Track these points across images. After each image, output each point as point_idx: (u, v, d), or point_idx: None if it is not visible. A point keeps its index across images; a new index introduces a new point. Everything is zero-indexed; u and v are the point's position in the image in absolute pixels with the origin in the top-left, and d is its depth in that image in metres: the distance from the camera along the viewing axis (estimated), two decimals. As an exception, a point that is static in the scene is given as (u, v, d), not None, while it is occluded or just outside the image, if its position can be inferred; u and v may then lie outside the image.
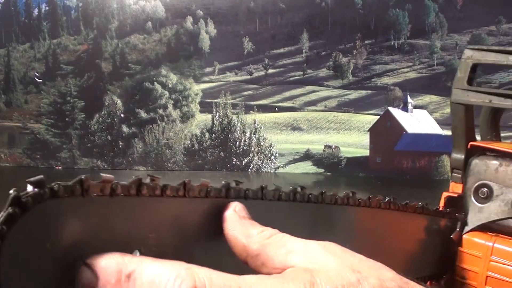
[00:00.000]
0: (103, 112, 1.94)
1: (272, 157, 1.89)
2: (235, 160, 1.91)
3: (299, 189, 0.44)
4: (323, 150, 1.85)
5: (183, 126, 1.91)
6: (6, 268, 0.32)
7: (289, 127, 1.87)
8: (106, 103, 1.95)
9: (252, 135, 1.92)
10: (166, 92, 1.93)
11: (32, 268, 0.34)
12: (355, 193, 0.54)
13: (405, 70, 1.84)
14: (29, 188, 0.34)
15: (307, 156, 1.91)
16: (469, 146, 0.62)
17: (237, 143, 1.91)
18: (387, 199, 0.53)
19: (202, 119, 1.90)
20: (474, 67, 0.60)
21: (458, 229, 0.59)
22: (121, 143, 1.97)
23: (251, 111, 1.88)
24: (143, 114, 1.93)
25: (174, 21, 1.96)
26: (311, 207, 0.46)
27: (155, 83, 1.98)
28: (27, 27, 2.06)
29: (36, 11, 2.04)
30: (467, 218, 0.59)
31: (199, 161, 1.93)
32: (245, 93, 1.93)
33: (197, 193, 0.39)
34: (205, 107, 1.91)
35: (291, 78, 1.90)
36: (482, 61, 0.61)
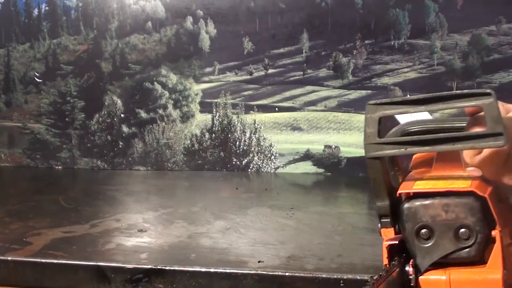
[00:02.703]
0: (103, 112, 1.94)
1: (272, 157, 1.90)
2: (235, 160, 1.92)
3: None
4: (323, 150, 1.85)
5: (183, 126, 1.91)
6: None
7: (289, 127, 1.87)
8: (106, 103, 1.94)
9: (252, 135, 1.92)
10: (166, 92, 1.93)
11: None
12: None
13: (405, 70, 1.84)
14: None
15: (307, 156, 1.90)
16: (397, 195, 0.66)
17: (237, 143, 1.91)
18: None
19: (202, 119, 1.90)
20: (380, 120, 0.66)
21: (413, 276, 0.64)
22: (121, 143, 1.97)
23: (251, 111, 1.88)
24: (143, 114, 1.93)
25: (174, 21, 1.95)
26: None
27: (155, 83, 1.97)
28: (27, 27, 2.05)
29: (36, 11, 2.03)
30: (417, 262, 0.64)
31: (199, 161, 1.94)
32: (245, 93, 1.93)
33: None
34: (205, 107, 1.91)
35: (291, 78, 1.90)
36: (387, 114, 0.66)
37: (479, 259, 0.63)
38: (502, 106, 0.65)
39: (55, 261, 1.15)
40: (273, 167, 2.05)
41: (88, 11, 2.08)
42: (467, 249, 0.64)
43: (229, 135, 2.08)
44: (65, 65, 2.13)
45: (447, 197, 0.63)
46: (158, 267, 1.11)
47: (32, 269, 1.16)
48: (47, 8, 2.10)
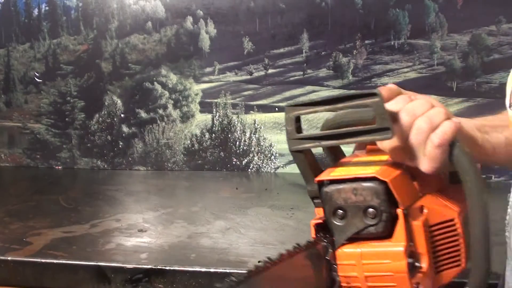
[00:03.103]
0: (103, 112, 1.93)
1: (272, 157, 1.89)
2: (235, 160, 1.91)
3: None
4: (323, 150, 1.84)
5: (183, 126, 1.90)
6: None
7: (289, 127, 1.88)
8: (106, 103, 1.94)
9: (252, 135, 1.92)
10: (166, 92, 1.92)
11: None
12: None
13: (405, 70, 1.84)
14: None
15: (307, 156, 1.91)
16: (315, 182, 0.78)
17: (237, 143, 1.91)
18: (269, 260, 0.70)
19: (202, 119, 1.90)
20: (298, 119, 0.78)
21: (331, 250, 0.77)
22: (121, 143, 1.96)
23: (251, 111, 1.87)
24: (143, 114, 1.92)
25: (174, 21, 1.95)
26: None
27: (155, 83, 1.97)
28: (27, 27, 2.05)
29: (36, 11, 2.02)
30: (334, 238, 0.77)
31: (199, 161, 1.94)
32: (245, 93, 1.93)
33: None
34: (205, 107, 1.91)
35: (291, 78, 1.89)
36: (301, 113, 0.78)
37: (386, 234, 0.74)
38: (410, 98, 0.78)
39: (55, 261, 1.15)
40: (273, 167, 2.05)
41: (88, 11, 2.08)
42: (374, 226, 0.75)
43: (229, 135, 2.08)
44: (65, 65, 2.13)
45: (355, 182, 0.75)
46: (158, 267, 1.11)
47: (32, 269, 1.16)
48: (47, 8, 2.10)
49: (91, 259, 1.16)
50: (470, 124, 0.81)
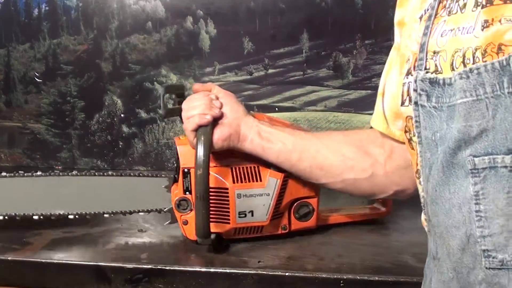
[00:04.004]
0: (103, 112, 1.93)
1: (272, 157, 1.89)
2: (235, 160, 1.92)
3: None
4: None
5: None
6: None
7: (289, 127, 1.87)
8: (106, 103, 1.93)
9: (252, 135, 1.91)
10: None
11: None
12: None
13: (405, 70, 1.86)
14: None
15: (307, 156, 1.89)
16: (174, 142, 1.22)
17: (237, 143, 1.91)
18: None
19: (202, 119, 1.91)
20: (163, 97, 1.18)
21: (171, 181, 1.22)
22: (121, 143, 1.96)
23: (251, 111, 1.86)
24: (143, 114, 1.92)
25: (174, 21, 1.95)
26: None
27: (155, 83, 1.96)
28: (27, 27, 2.05)
29: (36, 11, 2.02)
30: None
31: (199, 161, 1.95)
32: (245, 93, 1.92)
33: None
34: (205, 107, 1.92)
35: (291, 78, 1.89)
36: (164, 93, 1.20)
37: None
38: (206, 94, 1.14)
39: (55, 261, 1.15)
40: (273, 167, 2.05)
41: (88, 11, 2.08)
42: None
43: (229, 135, 2.07)
44: (65, 65, 2.13)
45: (180, 145, 1.17)
46: (158, 267, 1.11)
47: (32, 269, 1.16)
48: (47, 8, 2.10)
49: (91, 259, 1.16)
50: (254, 126, 1.09)
